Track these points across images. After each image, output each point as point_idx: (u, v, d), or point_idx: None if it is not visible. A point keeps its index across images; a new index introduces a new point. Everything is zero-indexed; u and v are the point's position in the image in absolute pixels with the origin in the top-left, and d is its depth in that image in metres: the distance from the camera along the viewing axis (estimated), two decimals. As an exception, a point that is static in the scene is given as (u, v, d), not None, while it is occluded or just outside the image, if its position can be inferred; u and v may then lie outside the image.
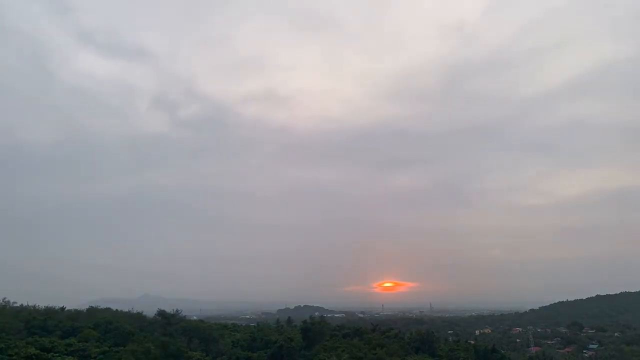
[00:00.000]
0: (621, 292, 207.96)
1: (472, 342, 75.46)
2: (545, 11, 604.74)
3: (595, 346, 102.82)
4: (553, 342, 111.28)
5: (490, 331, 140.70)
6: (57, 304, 72.99)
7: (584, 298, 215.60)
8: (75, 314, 66.16)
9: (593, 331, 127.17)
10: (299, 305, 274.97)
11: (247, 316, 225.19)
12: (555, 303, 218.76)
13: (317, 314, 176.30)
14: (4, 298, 67.39)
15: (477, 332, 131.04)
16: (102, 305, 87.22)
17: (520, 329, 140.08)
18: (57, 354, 37.17)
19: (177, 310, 66.05)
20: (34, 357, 34.64)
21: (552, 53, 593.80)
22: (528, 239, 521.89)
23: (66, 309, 70.53)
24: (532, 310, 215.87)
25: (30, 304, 70.38)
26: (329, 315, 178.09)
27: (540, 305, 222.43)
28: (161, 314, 63.70)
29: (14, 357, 33.70)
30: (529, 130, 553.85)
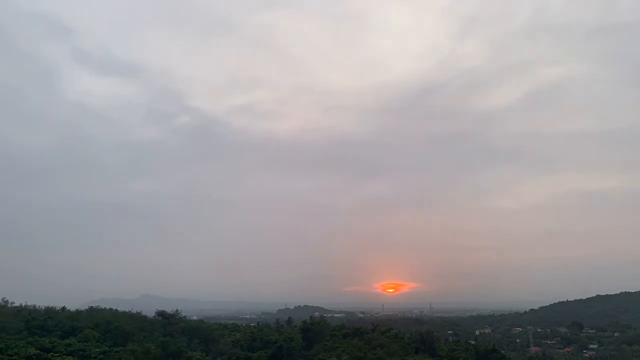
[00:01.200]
0: (621, 292, 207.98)
1: (472, 342, 75.41)
2: (507, 35, 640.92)
3: (595, 346, 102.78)
4: (553, 342, 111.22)
5: (490, 331, 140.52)
6: (57, 304, 73.05)
7: (584, 298, 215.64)
8: (75, 314, 66.12)
9: (593, 331, 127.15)
10: (299, 305, 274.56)
11: (247, 316, 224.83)
12: (555, 303, 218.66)
13: (317, 314, 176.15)
14: (4, 298, 67.44)
15: (477, 332, 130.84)
16: (102, 305, 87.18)
17: (520, 329, 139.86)
18: (57, 354, 37.15)
19: (177, 310, 66.05)
20: (34, 357, 34.64)
21: (514, 71, 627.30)
22: (517, 240, 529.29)
23: (66, 309, 70.53)
24: (532, 310, 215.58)
25: (30, 304, 70.44)
26: (329, 315, 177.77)
27: (540, 305, 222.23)
28: (161, 314, 63.68)
29: (14, 357, 33.70)
30: (497, 138, 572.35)
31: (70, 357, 37.43)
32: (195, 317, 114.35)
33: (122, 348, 41.52)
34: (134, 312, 77.89)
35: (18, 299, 69.30)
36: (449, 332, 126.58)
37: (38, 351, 36.13)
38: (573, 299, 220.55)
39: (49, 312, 64.95)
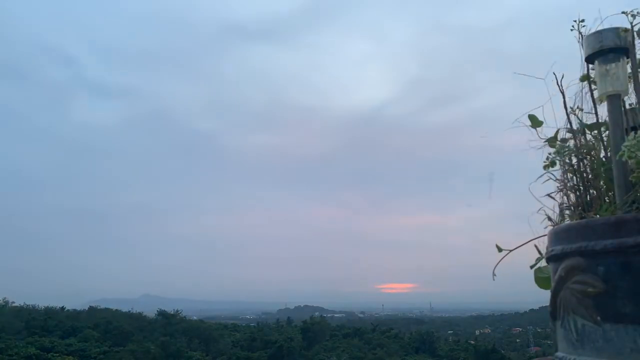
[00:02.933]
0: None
1: (472, 342, 75.37)
2: (463, 64, 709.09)
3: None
4: (553, 342, 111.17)
5: (490, 331, 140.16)
6: (57, 304, 72.92)
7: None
8: (75, 314, 66.00)
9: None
10: (299, 305, 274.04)
11: (247, 316, 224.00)
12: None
13: (317, 314, 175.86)
14: (4, 298, 67.22)
15: (477, 332, 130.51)
16: (102, 305, 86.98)
17: (520, 329, 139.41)
18: (57, 354, 37.19)
19: (177, 310, 66.01)
20: (34, 357, 34.71)
21: (467, 93, 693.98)
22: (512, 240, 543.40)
23: (66, 309, 70.45)
24: (532, 310, 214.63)
25: (30, 304, 70.40)
26: (329, 315, 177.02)
27: (540, 305, 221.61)
28: (161, 314, 63.64)
29: (14, 357, 33.77)
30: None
31: (70, 357, 37.47)
32: (195, 317, 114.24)
33: (122, 348, 41.53)
34: (134, 312, 77.82)
35: (18, 299, 69.25)
36: (449, 332, 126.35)
37: (38, 351, 36.18)
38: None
39: (49, 312, 64.82)
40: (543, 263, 1.04)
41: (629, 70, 0.90)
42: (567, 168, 0.98)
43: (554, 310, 0.83)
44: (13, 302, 67.29)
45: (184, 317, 66.59)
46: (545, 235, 0.95)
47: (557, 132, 1.01)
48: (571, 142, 0.99)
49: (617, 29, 0.88)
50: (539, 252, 1.05)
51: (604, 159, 0.93)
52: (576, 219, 0.93)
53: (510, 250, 1.12)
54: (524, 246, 1.10)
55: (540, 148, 1.05)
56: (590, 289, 0.73)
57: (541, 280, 1.05)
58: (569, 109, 1.00)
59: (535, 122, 1.06)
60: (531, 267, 1.08)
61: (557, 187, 1.01)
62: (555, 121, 1.04)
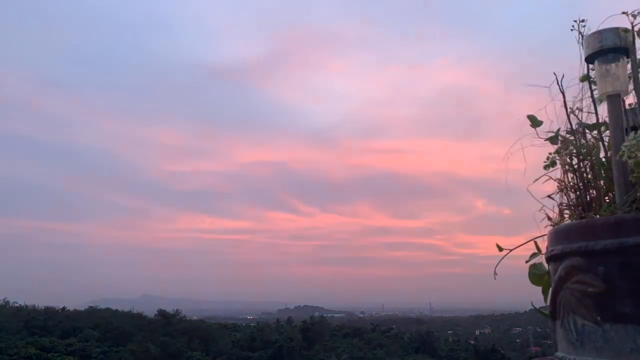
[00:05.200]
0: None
1: (472, 342, 75.35)
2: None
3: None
4: (553, 342, 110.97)
5: (490, 331, 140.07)
6: (57, 303, 72.90)
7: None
8: (75, 314, 65.90)
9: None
10: (299, 305, 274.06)
11: (247, 316, 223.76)
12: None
13: (317, 314, 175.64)
14: (4, 298, 67.16)
15: (477, 332, 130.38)
16: (102, 305, 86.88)
17: (520, 329, 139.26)
18: (57, 354, 37.17)
19: (177, 310, 65.97)
20: (34, 357, 34.72)
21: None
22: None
23: (66, 309, 70.42)
24: (532, 310, 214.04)
25: (30, 304, 70.39)
26: (329, 315, 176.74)
27: (540, 305, 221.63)
28: (161, 314, 63.59)
29: (14, 357, 33.77)
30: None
31: (70, 357, 37.47)
32: (195, 317, 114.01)
33: (122, 348, 41.52)
34: (134, 312, 77.69)
35: (18, 299, 69.22)
36: (449, 332, 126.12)
37: (38, 351, 36.18)
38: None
39: (49, 312, 64.77)
40: (538, 260, 1.05)
41: (629, 70, 0.90)
42: (567, 168, 0.98)
43: (554, 310, 0.83)
44: (13, 302, 67.36)
45: (184, 317, 66.54)
46: (545, 234, 0.95)
47: (557, 131, 1.02)
48: (571, 143, 0.99)
49: (617, 29, 0.87)
50: (538, 248, 1.05)
51: (604, 159, 0.93)
52: (576, 219, 0.93)
53: (511, 250, 1.11)
54: (523, 246, 1.13)
55: (542, 144, 1.05)
56: (590, 289, 0.73)
57: (535, 277, 1.06)
58: (569, 109, 1.01)
59: (535, 122, 1.07)
60: (526, 261, 1.08)
61: (557, 186, 1.01)
62: (557, 123, 1.04)
